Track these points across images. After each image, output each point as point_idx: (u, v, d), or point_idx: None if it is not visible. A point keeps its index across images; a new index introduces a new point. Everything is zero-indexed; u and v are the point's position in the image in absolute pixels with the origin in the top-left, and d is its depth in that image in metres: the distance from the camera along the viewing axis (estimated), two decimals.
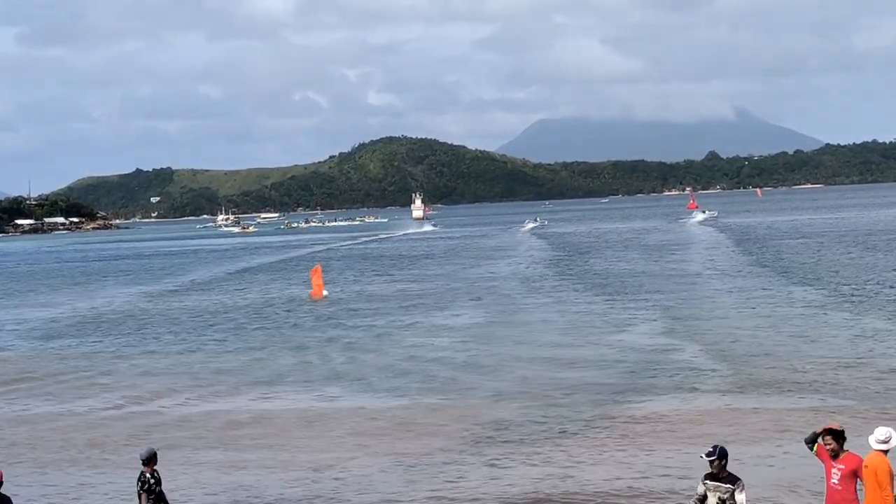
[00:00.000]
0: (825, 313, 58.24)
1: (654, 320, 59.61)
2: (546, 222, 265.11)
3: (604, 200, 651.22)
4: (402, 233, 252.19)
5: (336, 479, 29.36)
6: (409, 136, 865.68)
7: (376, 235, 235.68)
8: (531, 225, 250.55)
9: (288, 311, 76.87)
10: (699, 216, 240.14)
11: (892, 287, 69.75)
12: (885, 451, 17.01)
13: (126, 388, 46.03)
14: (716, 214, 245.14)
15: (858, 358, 43.18)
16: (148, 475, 21.01)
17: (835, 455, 17.12)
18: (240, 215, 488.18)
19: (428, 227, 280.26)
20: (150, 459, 21.19)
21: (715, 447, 17.37)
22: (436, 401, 39.61)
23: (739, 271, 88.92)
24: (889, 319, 54.29)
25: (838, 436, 17.14)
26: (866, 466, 16.88)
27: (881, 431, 17.22)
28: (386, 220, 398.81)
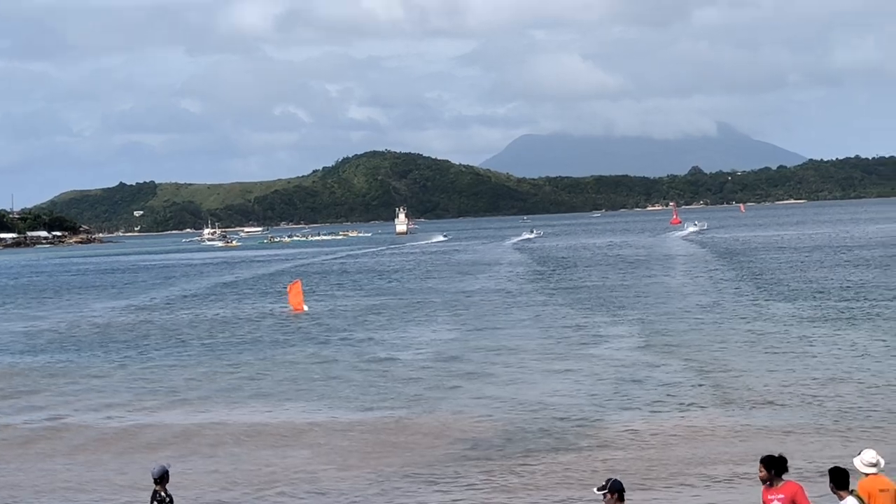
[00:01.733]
0: (803, 329, 58.20)
1: (633, 336, 59.51)
2: (542, 233, 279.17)
3: (595, 214, 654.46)
4: (424, 243, 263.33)
5: (302, 497, 29.20)
6: (393, 150, 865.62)
7: (383, 248, 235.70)
8: (527, 235, 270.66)
9: (267, 325, 76.63)
10: (690, 228, 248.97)
11: (868, 301, 69.91)
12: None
13: (96, 401, 45.73)
14: (706, 227, 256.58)
15: (836, 376, 43.13)
16: (163, 494, 19.95)
17: (768, 483, 16.64)
18: (224, 229, 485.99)
19: (439, 238, 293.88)
20: (162, 478, 20.11)
21: (608, 480, 16.08)
22: (407, 417, 39.34)
23: (720, 286, 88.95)
24: (867, 336, 54.31)
25: (770, 464, 16.69)
26: (884, 490, 16.64)
27: (870, 455, 16.97)
28: (370, 234, 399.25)
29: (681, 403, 38.93)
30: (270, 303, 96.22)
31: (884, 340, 52.13)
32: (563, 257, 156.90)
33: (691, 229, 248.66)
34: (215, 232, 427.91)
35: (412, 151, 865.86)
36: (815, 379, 42.38)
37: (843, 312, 65.22)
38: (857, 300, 72.08)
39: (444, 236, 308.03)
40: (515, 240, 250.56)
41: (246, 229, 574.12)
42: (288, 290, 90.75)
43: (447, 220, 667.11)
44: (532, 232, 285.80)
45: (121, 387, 50.66)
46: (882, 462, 17.11)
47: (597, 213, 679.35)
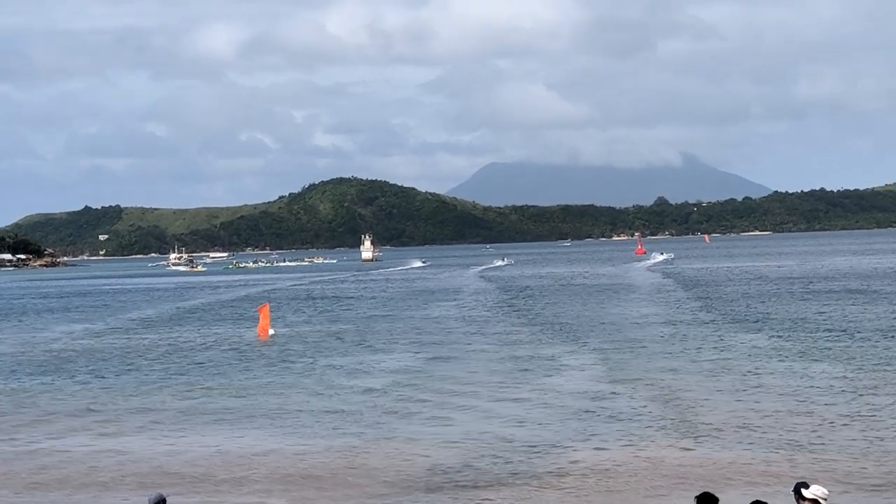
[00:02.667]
0: (762, 361, 58.47)
1: (593, 366, 59.63)
2: (512, 261, 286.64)
3: (565, 243, 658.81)
4: (400, 269, 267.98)
5: None
6: (359, 177, 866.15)
7: (352, 275, 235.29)
8: (498, 263, 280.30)
9: (230, 351, 76.33)
10: (657, 258, 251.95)
11: (828, 334, 70.43)
12: None
13: (45, 427, 45.51)
14: (672, 257, 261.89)
15: (792, 409, 43.41)
16: None
17: None
18: (190, 254, 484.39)
19: (417, 264, 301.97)
20: None
21: None
22: (364, 445, 39.16)
23: (682, 317, 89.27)
24: (825, 370, 54.69)
25: (702, 502, 16.61)
26: None
27: (823, 490, 16.60)
28: (335, 260, 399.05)
29: (638, 435, 38.98)
30: (234, 328, 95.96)
31: (841, 375, 52.46)
32: (529, 286, 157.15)
33: (658, 259, 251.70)
34: (181, 257, 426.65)
35: (378, 178, 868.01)
36: (770, 412, 42.56)
37: (801, 345, 65.62)
38: (818, 333, 72.51)
39: (423, 262, 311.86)
40: (482, 268, 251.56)
41: (212, 254, 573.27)
42: (259, 312, 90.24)
43: (412, 248, 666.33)
44: (503, 260, 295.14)
45: (72, 412, 50.24)
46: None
47: (566, 243, 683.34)
